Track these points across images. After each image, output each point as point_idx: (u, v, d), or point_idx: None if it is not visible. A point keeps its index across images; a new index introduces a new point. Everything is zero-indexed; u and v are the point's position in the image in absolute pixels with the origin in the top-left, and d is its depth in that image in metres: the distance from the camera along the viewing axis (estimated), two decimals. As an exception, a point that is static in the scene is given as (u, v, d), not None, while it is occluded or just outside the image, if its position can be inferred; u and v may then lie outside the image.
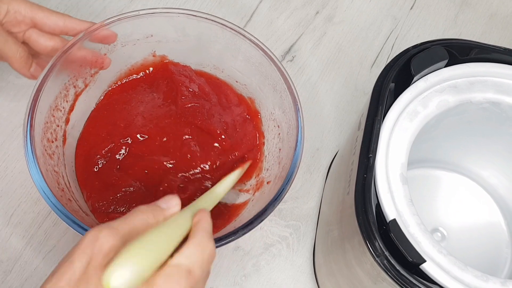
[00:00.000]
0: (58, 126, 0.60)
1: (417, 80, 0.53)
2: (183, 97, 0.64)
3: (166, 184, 0.61)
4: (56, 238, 0.65)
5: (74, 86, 0.62)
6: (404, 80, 0.53)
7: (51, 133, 0.59)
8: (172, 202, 0.44)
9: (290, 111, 0.59)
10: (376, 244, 0.46)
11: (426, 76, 0.53)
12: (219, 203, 0.54)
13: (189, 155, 0.62)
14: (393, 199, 0.48)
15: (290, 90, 0.59)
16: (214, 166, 0.62)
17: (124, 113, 0.64)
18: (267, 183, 0.61)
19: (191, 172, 0.62)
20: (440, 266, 0.46)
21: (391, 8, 0.85)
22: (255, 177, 0.64)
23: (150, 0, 0.80)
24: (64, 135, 0.61)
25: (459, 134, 0.62)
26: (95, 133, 0.63)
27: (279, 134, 0.63)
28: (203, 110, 0.64)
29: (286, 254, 0.69)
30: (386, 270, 0.45)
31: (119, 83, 0.66)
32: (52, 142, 0.59)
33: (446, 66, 0.54)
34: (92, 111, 0.65)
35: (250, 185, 0.64)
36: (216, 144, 0.63)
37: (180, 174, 0.61)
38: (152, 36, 0.64)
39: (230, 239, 0.52)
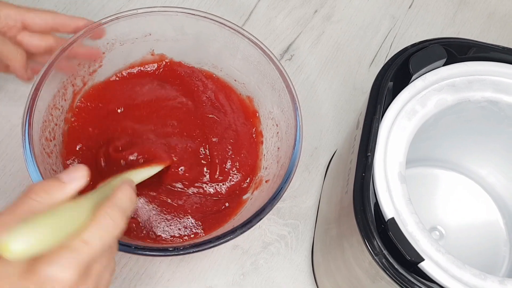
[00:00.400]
0: (56, 125, 0.60)
1: (415, 79, 0.53)
2: (204, 104, 0.65)
3: (168, 185, 0.61)
4: (54, 237, 0.65)
5: (73, 85, 0.62)
6: (403, 79, 0.53)
7: (49, 132, 0.59)
8: (76, 174, 0.42)
9: (289, 110, 0.59)
10: (375, 242, 0.46)
11: (424, 75, 0.53)
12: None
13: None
14: (391, 198, 0.48)
15: (288, 89, 0.59)
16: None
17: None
18: (266, 181, 0.61)
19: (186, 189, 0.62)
20: (438, 265, 0.46)
21: (389, 7, 0.85)
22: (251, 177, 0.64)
23: (148, -1, 0.80)
24: (64, 134, 0.61)
25: (457, 133, 0.62)
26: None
27: (277, 133, 0.63)
28: (219, 127, 0.65)
29: (284, 252, 0.69)
30: (385, 269, 0.45)
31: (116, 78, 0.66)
32: (51, 141, 0.58)
33: (444, 65, 0.54)
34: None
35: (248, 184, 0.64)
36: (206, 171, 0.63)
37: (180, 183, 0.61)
38: (150, 34, 0.64)
39: (229, 237, 0.52)
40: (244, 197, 0.63)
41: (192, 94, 0.66)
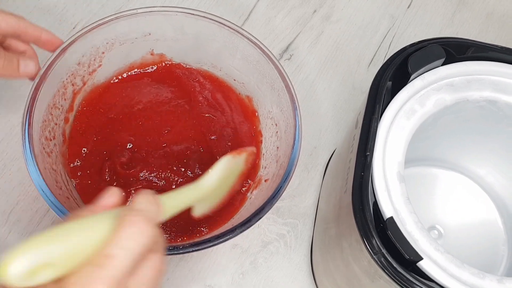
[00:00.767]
0: (56, 124, 0.60)
1: (414, 79, 0.53)
2: (200, 104, 0.65)
3: (164, 182, 0.61)
4: (54, 236, 0.66)
5: (72, 84, 0.62)
6: (401, 79, 0.53)
7: (49, 131, 0.59)
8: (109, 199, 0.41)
9: (288, 110, 0.60)
10: (374, 241, 0.46)
11: (423, 75, 0.53)
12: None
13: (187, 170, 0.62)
14: (390, 197, 0.48)
15: (287, 88, 0.60)
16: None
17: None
18: (265, 181, 0.61)
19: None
20: (437, 264, 0.46)
21: (388, 7, 0.85)
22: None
23: (148, -1, 0.80)
24: (64, 134, 0.62)
25: (456, 132, 0.62)
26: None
27: (277, 132, 0.63)
28: (217, 126, 0.65)
29: (283, 252, 0.69)
30: (383, 268, 0.45)
31: (116, 80, 0.67)
32: (50, 140, 0.59)
33: (443, 64, 0.54)
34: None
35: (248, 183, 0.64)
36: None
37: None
38: (150, 34, 0.64)
39: (228, 237, 0.52)
40: (248, 194, 0.63)
41: (188, 95, 0.66)
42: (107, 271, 0.36)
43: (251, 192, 0.62)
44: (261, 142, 0.65)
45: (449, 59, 0.54)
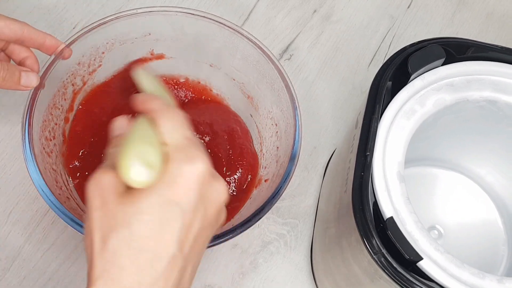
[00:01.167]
0: (56, 124, 0.60)
1: (414, 79, 0.53)
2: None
3: None
4: (54, 236, 0.66)
5: (72, 84, 0.62)
6: (401, 79, 0.53)
7: (49, 131, 0.59)
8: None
9: (288, 110, 0.60)
10: (374, 241, 0.46)
11: (423, 75, 0.53)
12: None
13: None
14: (390, 197, 0.48)
15: (287, 88, 0.60)
16: None
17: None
18: (265, 181, 0.61)
19: None
20: (437, 264, 0.46)
21: (388, 7, 0.85)
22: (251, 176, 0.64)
23: (148, -1, 0.80)
24: (64, 134, 0.62)
25: (456, 132, 0.62)
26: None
27: (276, 132, 0.63)
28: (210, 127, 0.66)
29: (283, 251, 0.69)
30: (383, 268, 0.45)
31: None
32: (50, 140, 0.59)
33: (443, 64, 0.54)
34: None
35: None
36: None
37: None
38: (150, 34, 0.64)
39: (228, 236, 0.52)
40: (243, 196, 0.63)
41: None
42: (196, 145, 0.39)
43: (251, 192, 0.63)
44: (261, 142, 0.66)
45: (449, 59, 0.54)
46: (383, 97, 0.52)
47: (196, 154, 0.39)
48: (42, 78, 0.56)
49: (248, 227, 0.53)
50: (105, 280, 0.36)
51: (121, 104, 0.65)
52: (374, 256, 0.46)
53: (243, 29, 0.62)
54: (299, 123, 0.58)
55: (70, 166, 0.61)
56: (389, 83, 0.53)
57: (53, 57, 0.57)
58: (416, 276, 0.46)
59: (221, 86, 0.69)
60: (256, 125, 0.67)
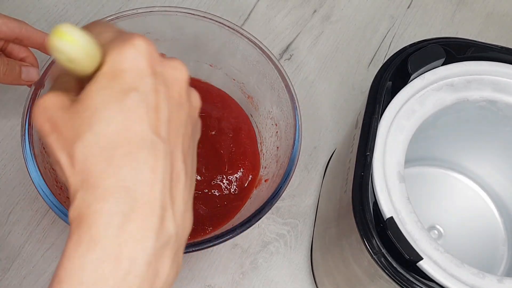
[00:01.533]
0: (56, 124, 0.60)
1: (414, 79, 0.53)
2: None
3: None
4: (54, 236, 0.66)
5: (72, 85, 0.62)
6: (401, 79, 0.53)
7: (50, 131, 0.59)
8: None
9: (288, 110, 0.60)
10: (374, 241, 0.46)
11: (423, 75, 0.53)
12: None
13: None
14: (390, 197, 0.48)
15: (287, 88, 0.60)
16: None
17: None
18: (265, 181, 0.61)
19: None
20: (437, 264, 0.46)
21: (388, 7, 0.85)
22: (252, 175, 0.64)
23: (148, -1, 0.80)
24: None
25: (456, 132, 0.62)
26: None
27: (276, 132, 0.63)
28: (214, 121, 0.65)
29: (283, 251, 0.69)
30: (383, 268, 0.45)
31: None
32: (51, 140, 0.59)
33: (443, 64, 0.54)
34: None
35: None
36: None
37: None
38: (149, 34, 0.64)
39: (228, 237, 0.52)
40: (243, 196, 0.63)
41: None
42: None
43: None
44: (261, 142, 0.66)
45: (449, 59, 0.54)
46: (383, 97, 0.52)
47: (132, 35, 0.34)
48: (42, 78, 0.56)
49: (248, 227, 0.53)
50: (84, 189, 0.31)
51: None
52: (374, 256, 0.46)
53: (243, 29, 0.62)
54: (299, 123, 0.58)
55: None
56: (389, 83, 0.53)
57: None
58: (416, 276, 0.46)
59: (221, 86, 0.69)
60: (256, 125, 0.67)
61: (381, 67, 0.53)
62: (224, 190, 0.63)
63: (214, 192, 0.62)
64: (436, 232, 0.66)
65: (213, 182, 0.63)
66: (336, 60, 0.81)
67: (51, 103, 0.33)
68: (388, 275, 0.45)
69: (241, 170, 0.64)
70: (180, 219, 0.34)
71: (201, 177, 0.62)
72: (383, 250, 0.46)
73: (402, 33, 0.84)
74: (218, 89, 0.68)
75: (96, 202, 0.31)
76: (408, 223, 0.47)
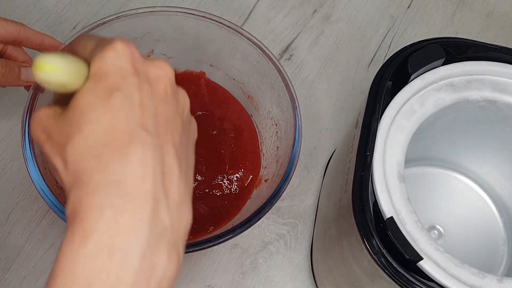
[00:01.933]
0: (56, 124, 0.60)
1: (414, 79, 0.53)
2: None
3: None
4: (54, 236, 0.66)
5: (72, 85, 0.62)
6: (401, 79, 0.53)
7: (50, 131, 0.59)
8: None
9: (288, 110, 0.60)
10: (373, 241, 0.46)
11: (423, 75, 0.54)
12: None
13: None
14: (390, 197, 0.48)
15: (287, 88, 0.60)
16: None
17: None
18: (265, 181, 0.61)
19: None
20: (437, 264, 0.46)
21: (388, 7, 0.85)
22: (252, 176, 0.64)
23: (148, -1, 0.80)
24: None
25: (456, 132, 0.62)
26: None
27: (276, 132, 0.63)
28: (215, 121, 0.65)
29: (284, 251, 0.69)
30: (383, 268, 0.45)
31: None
32: (51, 140, 0.59)
33: (443, 64, 0.54)
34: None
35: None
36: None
37: None
38: (150, 34, 0.64)
39: (228, 237, 0.52)
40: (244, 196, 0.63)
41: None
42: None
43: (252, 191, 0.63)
44: (262, 142, 0.66)
45: (449, 59, 0.54)
46: (383, 97, 0.52)
47: (112, 40, 0.35)
48: None
49: (248, 227, 0.53)
50: (77, 187, 0.32)
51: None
52: (374, 256, 0.46)
53: (243, 29, 0.62)
54: (299, 123, 0.58)
55: None
56: (389, 83, 0.53)
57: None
58: (416, 276, 0.46)
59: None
60: (256, 125, 0.67)
61: (381, 67, 0.53)
62: (225, 190, 0.63)
63: (215, 192, 0.62)
64: (436, 232, 0.66)
65: (214, 182, 0.63)
66: (336, 60, 0.81)
67: (44, 115, 0.35)
68: (388, 275, 0.45)
69: (242, 170, 0.64)
70: (176, 211, 0.34)
71: (202, 177, 0.62)
72: (383, 250, 0.46)
73: (402, 33, 0.84)
74: (223, 88, 0.68)
75: (87, 197, 0.31)
76: (408, 223, 0.47)
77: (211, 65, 0.67)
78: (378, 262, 0.46)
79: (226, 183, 0.63)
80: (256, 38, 0.61)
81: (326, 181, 0.70)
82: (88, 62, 0.35)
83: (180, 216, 0.35)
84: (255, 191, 0.62)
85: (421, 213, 0.51)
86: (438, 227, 0.66)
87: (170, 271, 0.33)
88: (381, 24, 0.84)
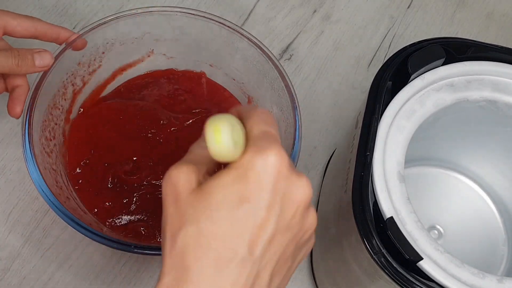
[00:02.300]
0: (56, 124, 0.60)
1: (414, 79, 0.53)
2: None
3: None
4: (54, 236, 0.66)
5: (73, 84, 0.62)
6: (401, 79, 0.53)
7: (49, 131, 0.59)
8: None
9: (288, 110, 0.59)
10: (374, 241, 0.46)
11: (423, 75, 0.54)
12: None
13: None
14: (390, 197, 0.48)
15: (287, 88, 0.60)
16: None
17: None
18: (265, 181, 0.61)
19: None
20: (437, 264, 0.46)
21: (388, 7, 0.85)
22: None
23: (148, -1, 0.80)
24: (64, 134, 0.62)
25: (456, 132, 0.62)
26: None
27: (276, 132, 0.63)
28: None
29: (283, 252, 0.69)
30: (383, 268, 0.45)
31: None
32: (50, 140, 0.59)
33: (443, 64, 0.54)
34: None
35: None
36: None
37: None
38: (150, 34, 0.64)
39: (228, 237, 0.52)
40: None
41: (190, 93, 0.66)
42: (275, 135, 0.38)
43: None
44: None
45: (449, 59, 0.54)
46: (383, 97, 0.52)
47: (270, 146, 0.36)
48: (44, 76, 0.56)
49: (248, 227, 0.53)
50: (171, 278, 0.35)
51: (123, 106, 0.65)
52: (374, 256, 0.46)
53: (243, 29, 0.62)
54: (299, 123, 0.58)
55: (73, 173, 0.61)
56: (389, 83, 0.53)
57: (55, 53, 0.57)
58: (416, 276, 0.46)
59: (221, 86, 0.69)
60: (256, 125, 0.67)
61: (381, 67, 0.53)
62: None
63: None
64: (436, 232, 0.66)
65: None
66: (336, 60, 0.81)
67: (182, 179, 0.37)
68: (388, 275, 0.45)
69: None
70: None
71: None
72: (383, 250, 0.46)
73: (402, 33, 0.84)
74: (223, 88, 0.68)
75: None
76: (408, 223, 0.47)
77: (211, 65, 0.67)
78: (378, 262, 0.46)
79: None
80: (256, 38, 0.61)
81: (326, 181, 0.70)
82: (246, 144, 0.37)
83: None
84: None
85: (421, 213, 0.51)
86: (438, 227, 0.66)
87: None
88: (381, 24, 0.84)
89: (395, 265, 0.45)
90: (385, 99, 0.52)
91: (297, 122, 0.58)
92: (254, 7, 0.82)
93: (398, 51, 0.54)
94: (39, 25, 0.57)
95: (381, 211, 0.48)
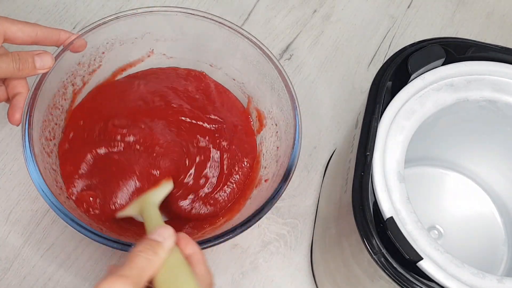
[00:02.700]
0: (56, 124, 0.60)
1: (414, 79, 0.53)
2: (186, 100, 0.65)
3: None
4: (54, 236, 0.66)
5: (73, 84, 0.62)
6: (401, 79, 0.53)
7: (49, 131, 0.59)
8: (165, 234, 0.46)
9: (288, 110, 0.60)
10: (374, 241, 0.46)
11: (423, 75, 0.54)
12: None
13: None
14: (390, 197, 0.48)
15: (287, 88, 0.60)
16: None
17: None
18: (265, 181, 0.61)
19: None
20: (437, 264, 0.46)
21: (388, 7, 0.85)
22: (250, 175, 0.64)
23: (148, -1, 0.80)
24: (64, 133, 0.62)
25: (456, 132, 0.62)
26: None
27: (276, 132, 0.63)
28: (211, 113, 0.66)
29: (283, 251, 0.69)
30: (383, 268, 0.45)
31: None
32: (50, 140, 0.59)
33: (443, 64, 0.54)
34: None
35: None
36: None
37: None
38: (150, 34, 0.64)
39: (228, 237, 0.52)
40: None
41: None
42: None
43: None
44: (261, 142, 0.66)
45: (449, 59, 0.54)
46: (383, 97, 0.52)
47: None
48: (44, 76, 0.56)
49: (248, 227, 0.53)
50: None
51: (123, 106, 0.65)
52: (374, 256, 0.46)
53: (243, 29, 0.62)
54: (299, 123, 0.58)
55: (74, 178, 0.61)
56: (389, 83, 0.53)
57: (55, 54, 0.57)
58: (416, 276, 0.46)
59: (221, 86, 0.69)
60: (256, 125, 0.67)
61: (381, 67, 0.53)
62: (226, 189, 0.63)
63: (215, 191, 0.62)
64: (436, 232, 0.66)
65: (213, 181, 0.63)
66: (336, 60, 0.81)
67: None
68: (388, 275, 0.45)
69: (242, 170, 0.64)
70: None
71: (202, 177, 0.62)
72: (383, 250, 0.46)
73: (402, 33, 0.84)
74: (224, 88, 0.68)
75: None
76: (408, 223, 0.47)
77: (211, 65, 0.67)
78: (378, 262, 0.46)
79: (226, 183, 0.63)
80: (256, 38, 0.61)
81: (326, 181, 0.70)
82: None
83: None
84: (255, 191, 0.62)
85: (421, 213, 0.51)
86: (438, 227, 0.66)
87: None
88: (381, 24, 0.84)
89: (395, 265, 0.45)
90: (385, 99, 0.52)
91: (297, 122, 0.58)
92: (254, 7, 0.82)
93: (398, 51, 0.54)
94: (40, 30, 0.57)
95: (381, 211, 0.48)
